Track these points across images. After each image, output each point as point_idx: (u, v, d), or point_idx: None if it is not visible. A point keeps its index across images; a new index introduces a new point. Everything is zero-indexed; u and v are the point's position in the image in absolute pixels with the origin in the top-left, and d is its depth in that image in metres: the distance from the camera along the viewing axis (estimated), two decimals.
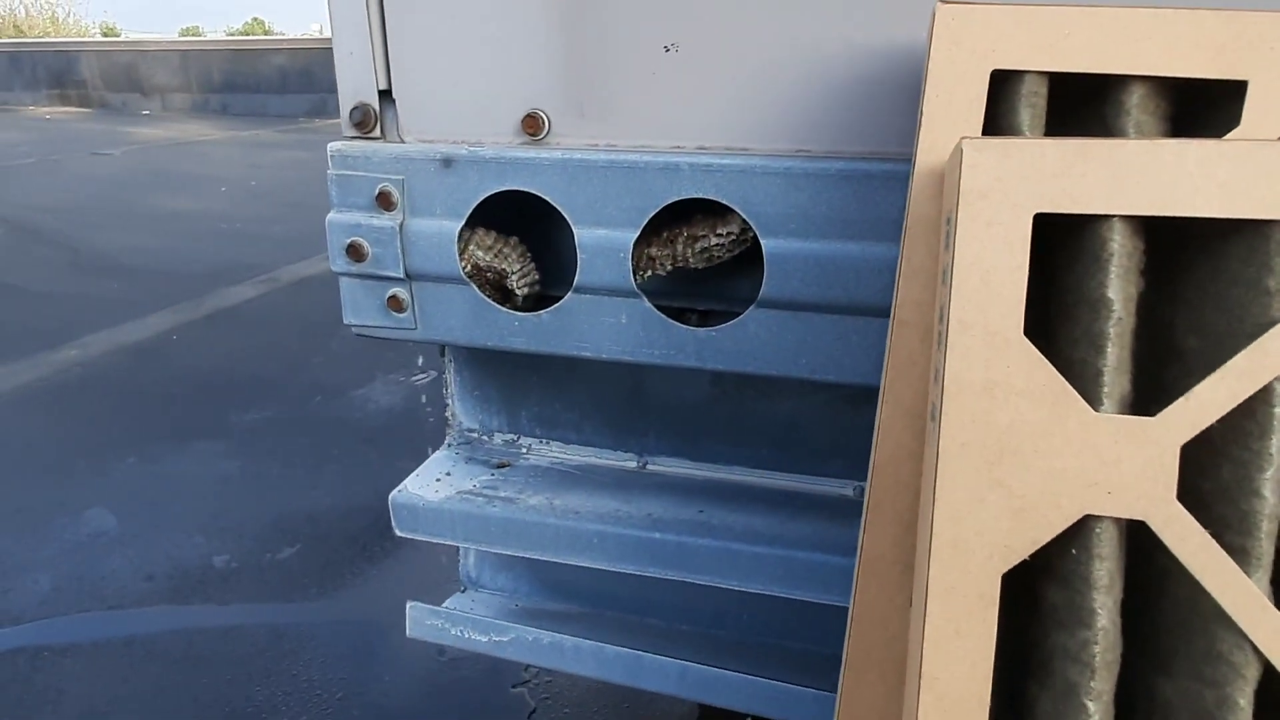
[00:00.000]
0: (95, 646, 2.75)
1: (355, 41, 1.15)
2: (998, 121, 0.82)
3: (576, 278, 1.11)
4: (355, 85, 1.17)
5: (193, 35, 18.12)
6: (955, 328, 0.68)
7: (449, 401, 1.46)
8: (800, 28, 1.00)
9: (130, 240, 7.26)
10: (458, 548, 1.47)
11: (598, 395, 1.38)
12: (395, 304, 1.19)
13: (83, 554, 3.19)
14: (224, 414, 4.27)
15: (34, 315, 5.52)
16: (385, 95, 1.17)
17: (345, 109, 1.19)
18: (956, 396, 0.68)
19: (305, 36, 15.64)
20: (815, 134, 1.03)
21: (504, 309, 1.16)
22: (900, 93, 0.99)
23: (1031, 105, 0.80)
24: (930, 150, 0.82)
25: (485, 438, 1.46)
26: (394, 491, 1.33)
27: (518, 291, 1.21)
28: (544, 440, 1.43)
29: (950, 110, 0.81)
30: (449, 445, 1.46)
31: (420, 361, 4.75)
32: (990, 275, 0.68)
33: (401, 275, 1.17)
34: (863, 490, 1.32)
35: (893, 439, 0.86)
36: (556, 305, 1.13)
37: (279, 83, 13.76)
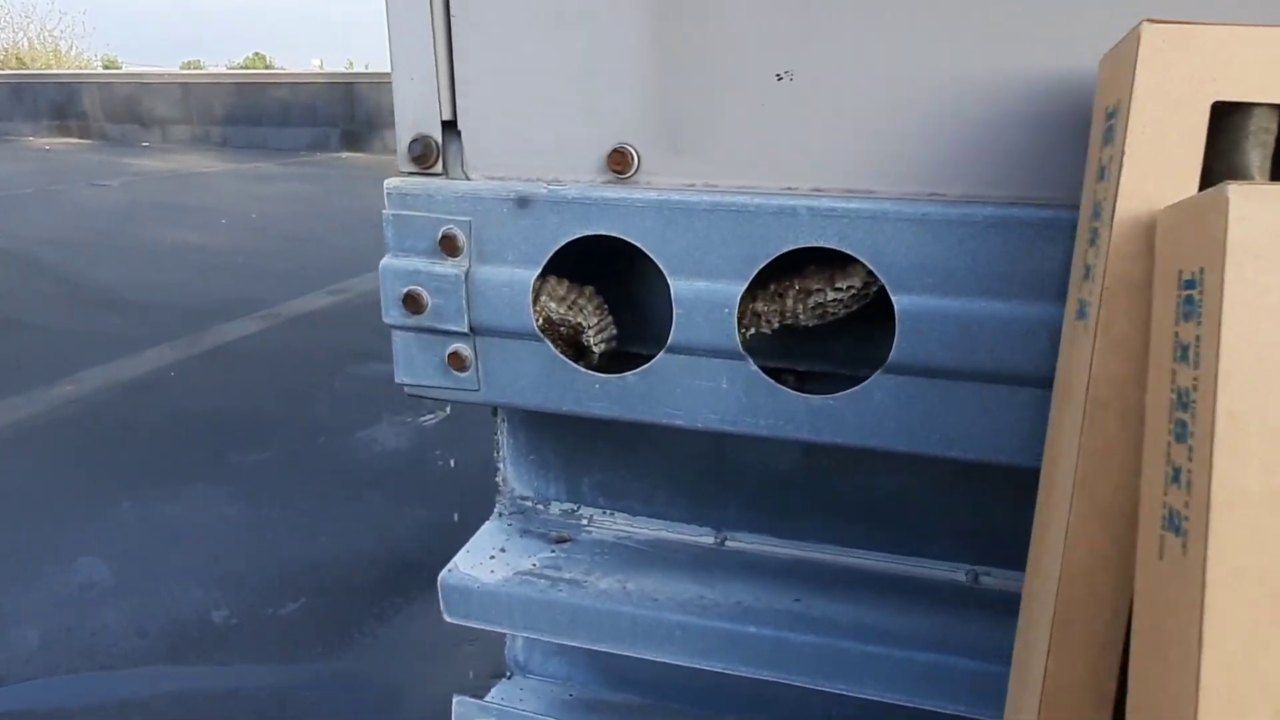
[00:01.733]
0: (85, 711, 2.55)
1: (417, 67, 1.02)
2: (1217, 164, 0.68)
3: (671, 335, 0.96)
4: (415, 115, 1.04)
5: (194, 69, 18.14)
6: (1224, 421, 0.54)
7: (500, 466, 1.31)
8: (938, 54, 0.87)
9: (129, 273, 7.12)
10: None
11: (672, 462, 1.23)
12: (457, 362, 1.04)
13: (73, 606, 3.00)
14: (223, 455, 4.09)
15: (30, 350, 5.36)
16: (449, 126, 1.04)
17: (403, 141, 1.05)
18: (1228, 509, 0.53)
19: (307, 71, 15.66)
20: (952, 175, 0.89)
21: (583, 370, 1.02)
22: (1056, 129, 0.86)
23: (1262, 144, 0.67)
24: (1135, 196, 0.68)
25: (540, 507, 1.31)
26: (443, 571, 1.17)
27: (594, 348, 1.07)
28: (608, 511, 1.28)
29: (1160, 149, 0.68)
30: (499, 515, 1.30)
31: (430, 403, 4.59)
32: (1269, 355, 0.54)
33: (465, 330, 1.03)
34: (977, 575, 1.17)
35: (1085, 543, 0.71)
36: (645, 366, 0.99)
37: (280, 116, 13.74)
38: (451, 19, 1.00)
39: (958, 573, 1.15)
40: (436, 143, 1.04)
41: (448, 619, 1.18)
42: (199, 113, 13.99)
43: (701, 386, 0.98)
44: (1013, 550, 1.14)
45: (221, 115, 13.93)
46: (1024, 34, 0.85)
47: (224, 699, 2.61)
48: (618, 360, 1.10)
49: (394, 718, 2.54)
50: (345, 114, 13.40)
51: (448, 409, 4.42)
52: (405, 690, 2.64)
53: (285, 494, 3.74)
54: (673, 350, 0.97)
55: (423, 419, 4.46)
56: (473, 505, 3.50)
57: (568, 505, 1.30)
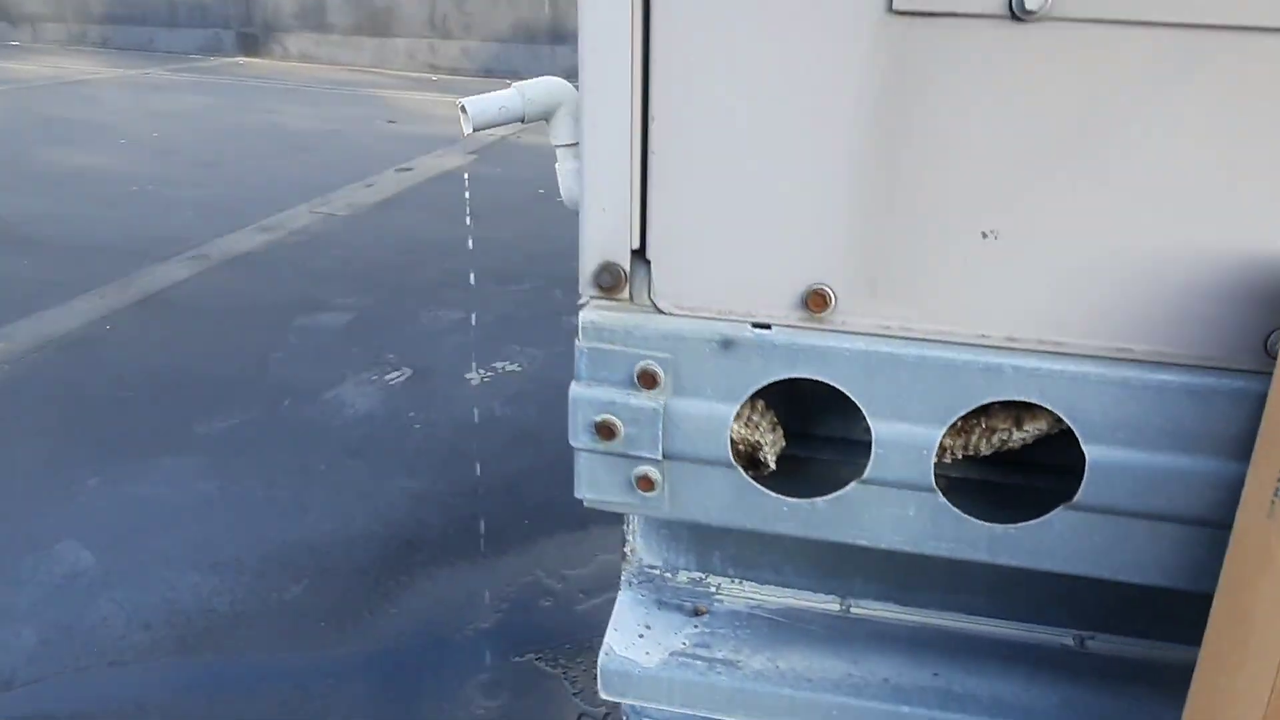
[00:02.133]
0: (105, 714, 2.54)
1: (610, 198, 1.02)
2: None
3: (868, 470, 1.03)
4: (604, 243, 1.05)
5: None
6: None
7: (629, 537, 1.36)
8: (1138, 222, 0.94)
9: (29, 205, 6.61)
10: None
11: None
12: (646, 485, 1.09)
13: (65, 598, 2.92)
14: (186, 422, 3.97)
15: None
16: (637, 254, 1.06)
17: (589, 268, 1.06)
18: None
19: None
20: (1141, 334, 0.97)
21: (773, 494, 1.08)
22: (1245, 301, 0.94)
23: None
24: None
25: (668, 575, 1.38)
26: (601, 655, 1.24)
27: (769, 462, 1.13)
28: (735, 580, 1.36)
29: None
30: (629, 585, 1.37)
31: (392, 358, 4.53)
32: None
33: (658, 457, 1.07)
34: (1083, 640, 1.31)
35: None
36: (837, 495, 1.06)
37: (168, 15, 12.70)
38: (650, 155, 1.01)
39: (1065, 637, 1.28)
40: (625, 271, 1.06)
41: (604, 697, 1.26)
42: (74, 9, 12.79)
43: (889, 513, 1.05)
44: (1115, 617, 1.28)
45: (100, 13, 12.77)
46: (1215, 211, 0.93)
47: (245, 692, 2.63)
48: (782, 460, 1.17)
49: (422, 693, 2.61)
50: (240, 14, 12.48)
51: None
52: (424, 674, 2.71)
53: (262, 466, 3.67)
54: (867, 482, 1.04)
55: (388, 377, 4.41)
56: (455, 477, 3.53)
57: (695, 574, 1.37)
